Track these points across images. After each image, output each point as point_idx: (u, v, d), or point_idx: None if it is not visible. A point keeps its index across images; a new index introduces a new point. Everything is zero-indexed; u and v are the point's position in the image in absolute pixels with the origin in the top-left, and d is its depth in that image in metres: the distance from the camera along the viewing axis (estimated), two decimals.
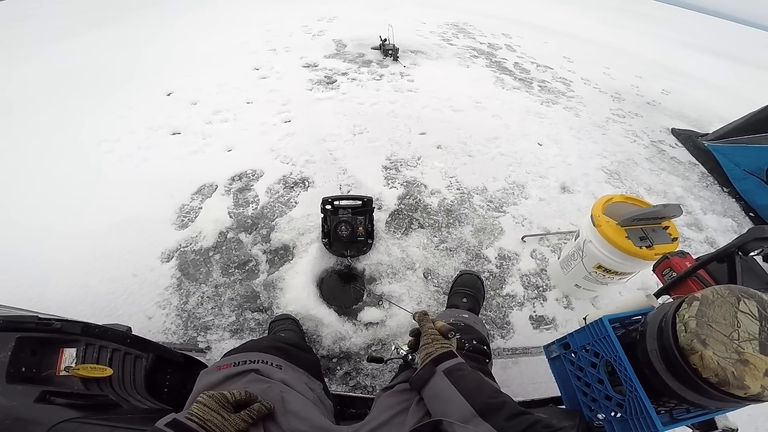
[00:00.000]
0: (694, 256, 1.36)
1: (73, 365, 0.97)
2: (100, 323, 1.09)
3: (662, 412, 0.91)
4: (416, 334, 0.99)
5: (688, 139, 4.08)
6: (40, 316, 1.00)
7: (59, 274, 2.03)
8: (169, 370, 1.25)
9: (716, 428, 0.95)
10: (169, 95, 3.71)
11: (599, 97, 4.88)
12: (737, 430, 0.95)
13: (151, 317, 1.93)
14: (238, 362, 0.94)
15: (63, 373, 0.96)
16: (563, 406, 1.19)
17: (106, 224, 2.32)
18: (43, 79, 3.82)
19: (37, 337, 0.96)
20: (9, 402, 0.81)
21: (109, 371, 1.02)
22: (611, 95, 5.00)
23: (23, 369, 0.91)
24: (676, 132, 4.25)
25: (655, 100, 5.16)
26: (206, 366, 1.25)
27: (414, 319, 1.02)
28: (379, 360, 1.21)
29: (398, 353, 1.06)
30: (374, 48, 5.04)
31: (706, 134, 4.01)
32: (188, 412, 0.67)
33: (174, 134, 3.16)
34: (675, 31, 10.36)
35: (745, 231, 1.09)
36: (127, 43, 4.79)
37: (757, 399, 0.71)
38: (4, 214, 2.36)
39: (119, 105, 3.48)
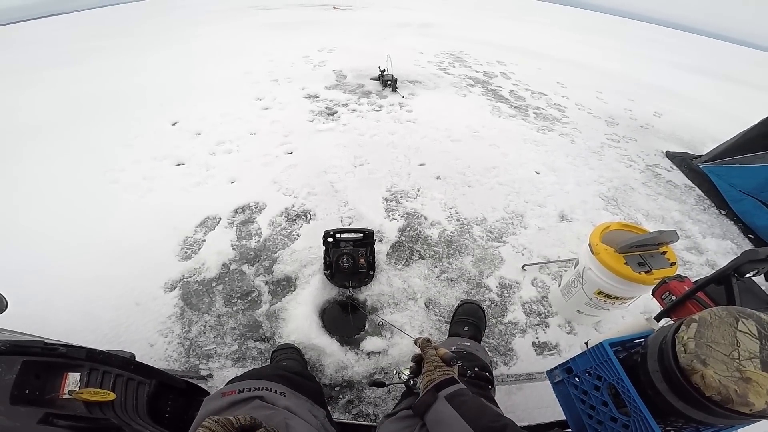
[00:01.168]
0: (695, 279, 1.37)
1: (77, 389, 0.98)
2: (102, 349, 1.10)
3: None
4: (418, 360, 1.00)
5: (682, 161, 4.11)
6: (46, 341, 1.01)
7: (62, 301, 2.04)
8: (171, 396, 1.26)
9: None
10: (174, 125, 3.79)
11: (593, 122, 4.95)
12: None
13: (153, 344, 1.93)
14: (243, 389, 0.95)
15: (66, 396, 0.97)
16: (569, 430, 1.18)
17: (110, 254, 2.33)
18: (50, 105, 3.91)
19: (42, 361, 0.97)
20: (12, 423, 0.82)
21: (111, 396, 1.03)
22: (605, 120, 5.06)
23: (27, 391, 0.92)
24: (670, 155, 4.28)
25: (648, 123, 5.22)
26: (208, 393, 1.26)
27: (416, 344, 1.03)
28: (381, 384, 1.21)
29: (400, 378, 1.06)
30: (373, 78, 5.17)
31: (700, 156, 4.03)
32: None
33: (179, 165, 3.22)
34: (664, 52, 10.58)
35: None
36: (134, 71, 4.94)
37: (763, 415, 0.72)
38: (8, 241, 2.39)
39: (125, 133, 3.55)
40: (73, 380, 1.00)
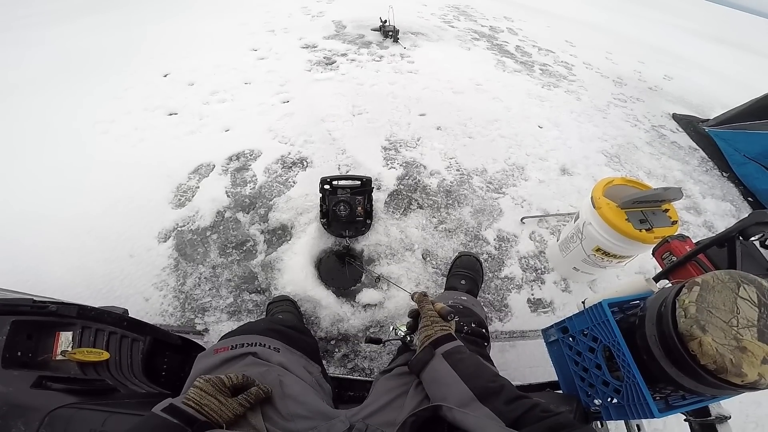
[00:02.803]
0: (693, 240, 1.35)
1: (70, 349, 0.96)
2: (96, 305, 1.07)
3: (658, 398, 0.91)
4: (415, 316, 0.98)
5: (689, 124, 4.08)
6: (35, 299, 0.98)
7: (56, 256, 2.01)
8: (166, 353, 1.24)
9: (710, 415, 0.95)
10: (165, 76, 3.65)
11: (601, 81, 4.86)
12: (730, 417, 0.95)
13: (148, 299, 1.93)
14: (236, 345, 0.93)
15: (59, 357, 0.95)
16: (560, 391, 1.19)
17: (103, 205, 2.29)
18: (37, 62, 3.74)
19: (32, 321, 0.94)
20: (5, 388, 0.80)
21: (105, 355, 1.01)
22: (613, 80, 4.97)
23: (19, 353, 0.90)
24: (677, 117, 4.24)
25: (657, 85, 5.15)
26: (204, 349, 1.25)
27: (413, 299, 1.00)
28: (377, 341, 1.20)
29: (396, 334, 1.05)
30: (374, 29, 4.97)
31: (707, 120, 4.02)
32: (185, 397, 0.66)
33: (171, 115, 3.12)
34: (679, 18, 10.34)
35: (743, 216, 1.07)
36: (124, 26, 4.67)
37: (753, 387, 0.70)
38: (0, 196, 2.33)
39: (115, 86, 3.42)
40: (65, 340, 0.97)
